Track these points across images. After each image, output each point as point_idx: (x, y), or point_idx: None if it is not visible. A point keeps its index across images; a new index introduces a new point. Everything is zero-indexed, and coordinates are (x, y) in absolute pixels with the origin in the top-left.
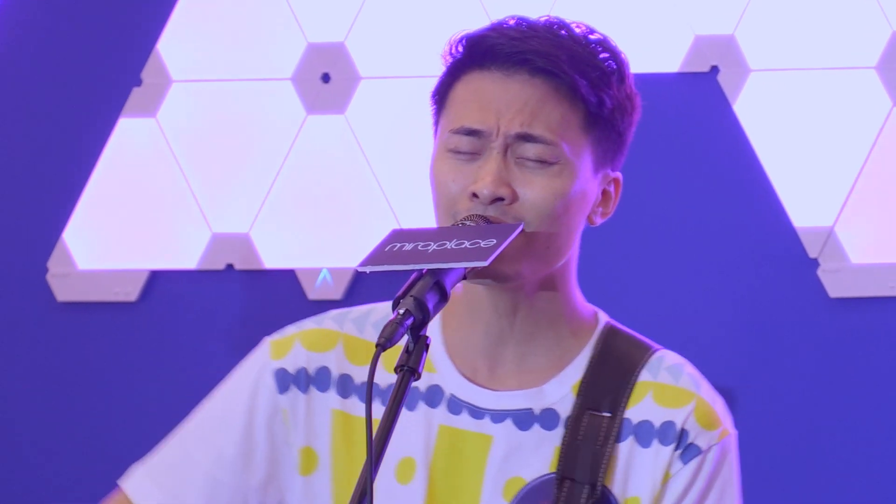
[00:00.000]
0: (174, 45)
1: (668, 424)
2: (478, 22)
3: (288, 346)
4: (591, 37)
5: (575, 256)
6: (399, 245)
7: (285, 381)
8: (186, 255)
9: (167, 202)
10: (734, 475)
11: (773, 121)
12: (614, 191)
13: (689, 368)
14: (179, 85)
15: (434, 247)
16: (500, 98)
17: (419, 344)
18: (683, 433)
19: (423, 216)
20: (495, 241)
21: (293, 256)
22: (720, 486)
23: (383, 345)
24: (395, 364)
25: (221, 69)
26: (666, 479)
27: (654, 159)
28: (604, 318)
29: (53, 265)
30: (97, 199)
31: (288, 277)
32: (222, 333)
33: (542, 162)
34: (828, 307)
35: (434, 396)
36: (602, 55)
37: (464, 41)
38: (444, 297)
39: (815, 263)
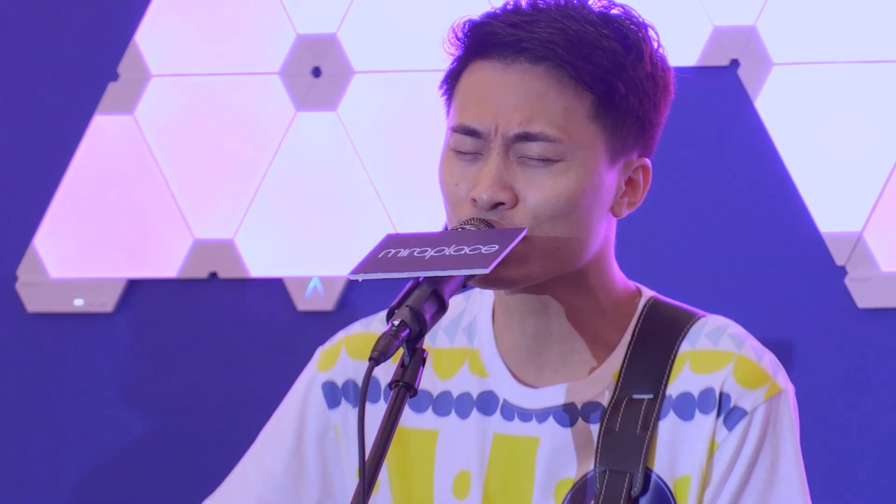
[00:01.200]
0: (153, 36)
1: (707, 392)
2: (478, 9)
3: (335, 356)
4: (612, 12)
5: (609, 246)
6: (394, 251)
7: (334, 394)
8: (166, 263)
9: (146, 206)
10: (790, 433)
11: (797, 118)
12: (642, 179)
13: (732, 329)
14: (159, 79)
15: (431, 253)
16: (499, 92)
17: (416, 358)
18: (724, 397)
19: (421, 220)
20: (497, 246)
21: (281, 264)
22: (771, 448)
23: (376, 359)
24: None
25: (204, 62)
26: (712, 449)
27: (670, 159)
28: (647, 293)
29: (23, 273)
30: (70, 203)
31: (275, 286)
32: (205, 347)
33: (546, 160)
34: (856, 318)
35: (488, 403)
36: (616, 34)
37: (465, 28)
38: (442, 306)
39: (842, 272)
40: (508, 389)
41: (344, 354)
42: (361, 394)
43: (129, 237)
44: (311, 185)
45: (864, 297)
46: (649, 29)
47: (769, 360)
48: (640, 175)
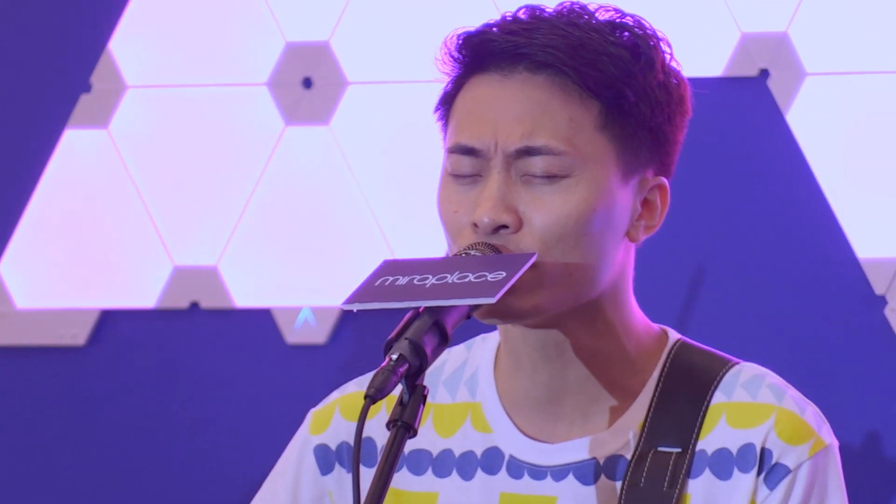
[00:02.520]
0: (129, 44)
1: (746, 448)
2: (483, 17)
3: (328, 418)
4: (621, 20)
5: (627, 277)
6: (392, 278)
7: (328, 459)
8: (144, 292)
9: (121, 229)
10: (836, 492)
11: (831, 133)
12: (660, 199)
13: (770, 379)
14: (135, 91)
15: (433, 280)
16: (498, 105)
17: (415, 395)
18: (766, 454)
19: (421, 244)
20: (504, 273)
21: (269, 293)
22: None
23: (373, 396)
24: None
25: (185, 72)
26: None
27: (694, 176)
28: (673, 336)
29: None
30: (39, 226)
31: (262, 318)
32: (186, 383)
33: (552, 177)
34: None
35: (493, 461)
36: (624, 41)
37: (459, 41)
38: (444, 339)
39: (882, 301)
40: (514, 444)
41: (338, 416)
42: (357, 432)
43: (102, 264)
44: (301, 206)
45: None
46: (661, 41)
47: (812, 412)
48: (657, 196)
